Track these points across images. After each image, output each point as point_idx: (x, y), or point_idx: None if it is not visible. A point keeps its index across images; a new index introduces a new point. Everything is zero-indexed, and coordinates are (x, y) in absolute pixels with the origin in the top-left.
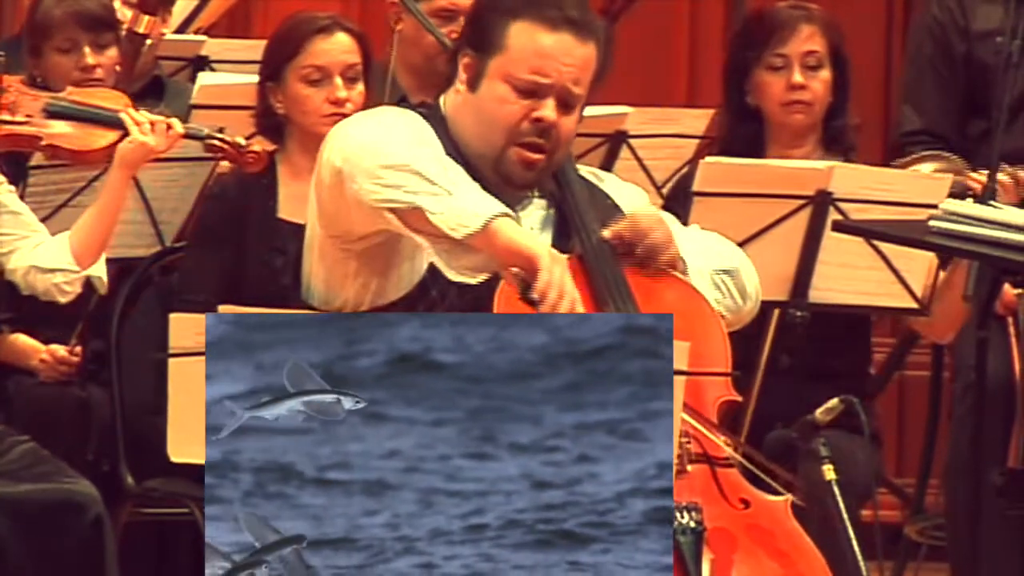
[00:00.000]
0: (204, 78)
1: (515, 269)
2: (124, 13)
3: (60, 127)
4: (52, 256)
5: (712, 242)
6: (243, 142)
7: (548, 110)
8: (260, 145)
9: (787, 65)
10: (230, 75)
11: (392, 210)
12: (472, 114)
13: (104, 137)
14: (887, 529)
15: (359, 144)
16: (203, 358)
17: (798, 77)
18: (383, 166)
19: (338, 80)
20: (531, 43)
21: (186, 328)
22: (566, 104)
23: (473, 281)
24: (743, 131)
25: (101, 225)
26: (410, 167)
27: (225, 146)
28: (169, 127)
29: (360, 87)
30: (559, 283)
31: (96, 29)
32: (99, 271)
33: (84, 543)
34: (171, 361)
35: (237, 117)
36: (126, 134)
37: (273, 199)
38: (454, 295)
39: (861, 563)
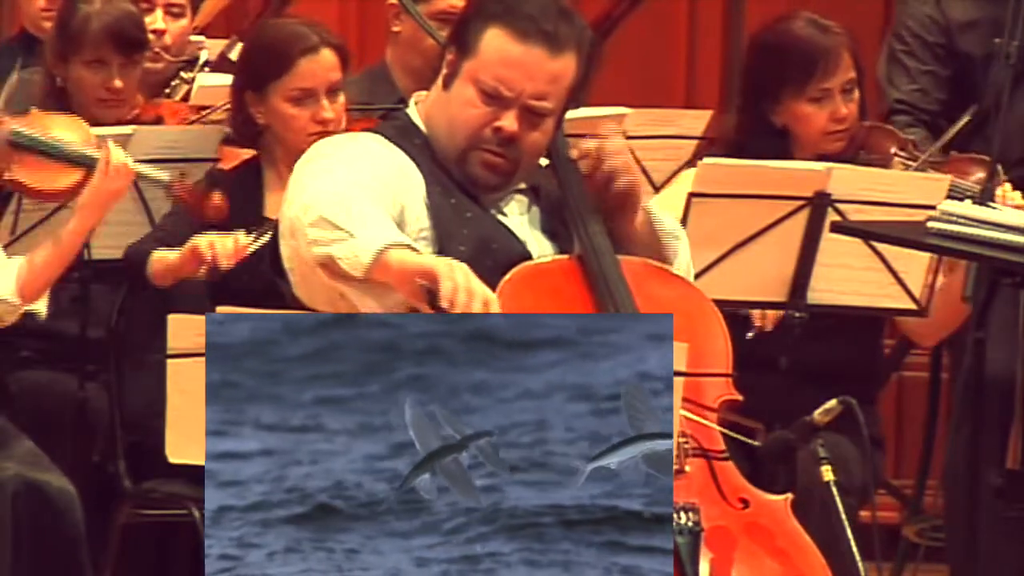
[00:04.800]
0: (202, 79)
1: (418, 281)
2: (167, 24)
3: (25, 162)
4: None
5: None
6: (204, 186)
7: (509, 121)
8: (219, 198)
9: (828, 97)
10: (229, 76)
11: (320, 266)
12: (443, 112)
13: (67, 177)
14: (885, 530)
15: (295, 205)
16: (201, 359)
17: (844, 110)
18: (309, 224)
19: (324, 101)
20: (499, 51)
21: (185, 329)
22: (531, 119)
23: None
24: (769, 147)
25: (52, 267)
26: (323, 218)
27: (186, 195)
28: (126, 168)
29: (341, 99)
30: (465, 286)
31: (128, 52)
32: (39, 307)
33: (50, 535)
34: (169, 362)
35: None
36: (88, 173)
37: (260, 198)
38: None
39: (859, 564)
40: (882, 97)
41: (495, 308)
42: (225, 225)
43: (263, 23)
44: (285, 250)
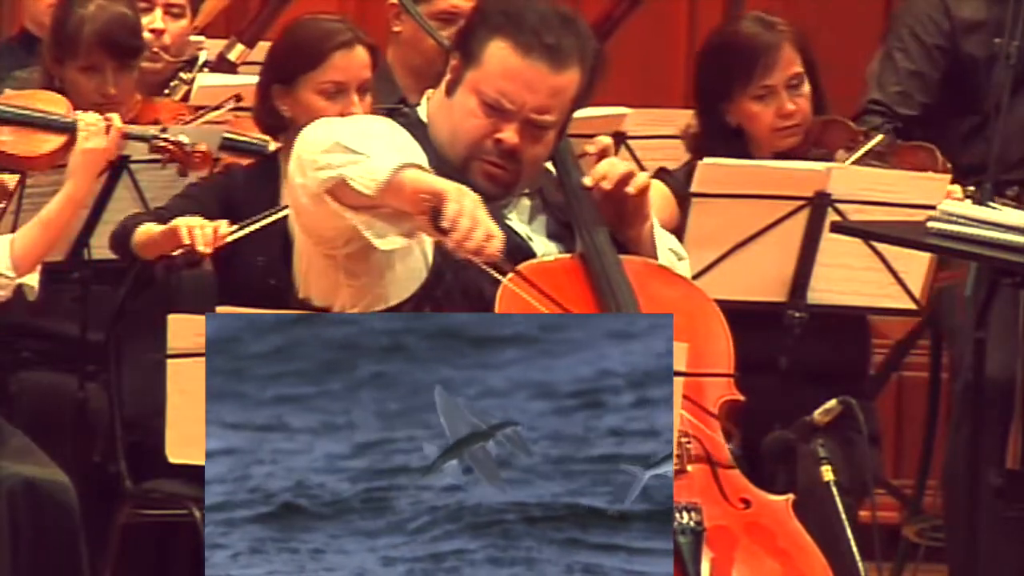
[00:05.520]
0: (201, 79)
1: (424, 198)
2: (167, 24)
3: (7, 133)
4: None
5: (663, 231)
6: (187, 141)
7: (509, 134)
8: (205, 146)
9: (773, 93)
10: (229, 76)
11: (328, 192)
12: (446, 119)
13: (49, 142)
14: (885, 530)
15: (306, 143)
16: (202, 359)
17: (789, 105)
18: (320, 152)
19: (354, 97)
20: (502, 64)
21: (185, 329)
22: (533, 132)
23: (400, 244)
24: (726, 149)
25: (45, 235)
26: (336, 143)
27: (170, 146)
28: (109, 125)
29: (368, 98)
30: (470, 213)
31: (122, 57)
32: (31, 280)
33: (48, 530)
34: (169, 362)
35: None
36: (72, 138)
37: (276, 194)
38: (459, 297)
39: (859, 564)
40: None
41: (497, 244)
42: (241, 215)
43: (297, 20)
44: (288, 199)
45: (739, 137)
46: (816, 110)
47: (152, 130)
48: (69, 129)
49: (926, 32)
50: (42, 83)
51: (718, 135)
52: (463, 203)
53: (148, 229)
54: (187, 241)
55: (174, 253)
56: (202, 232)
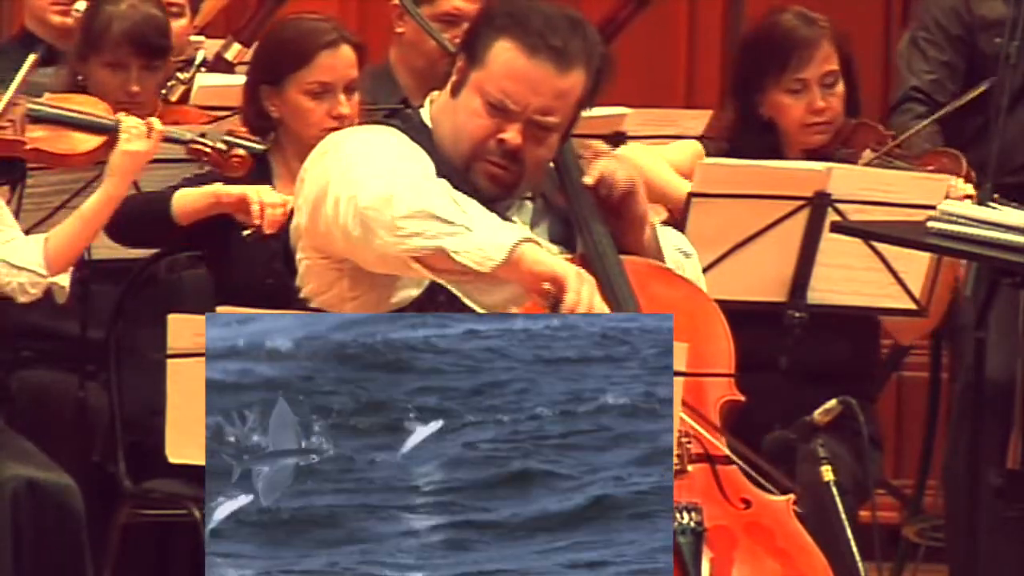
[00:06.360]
0: (201, 79)
1: (545, 286)
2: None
3: (42, 132)
4: (24, 255)
5: (669, 230)
6: (224, 147)
7: (512, 134)
8: (244, 151)
9: (806, 88)
10: (229, 76)
11: (417, 259)
12: (449, 120)
13: (87, 141)
14: (885, 530)
15: (372, 197)
16: (202, 359)
17: (820, 102)
18: (401, 217)
19: (341, 96)
20: (507, 65)
21: (184, 329)
22: (536, 133)
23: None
24: (759, 141)
25: (82, 235)
26: (425, 211)
27: (208, 150)
28: (150, 129)
29: (356, 97)
30: (588, 302)
31: (148, 57)
32: (63, 280)
33: (52, 532)
34: (169, 362)
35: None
36: (110, 138)
37: None
38: (462, 300)
39: (859, 564)
40: (883, 94)
41: None
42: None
43: (282, 20)
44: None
45: (771, 131)
46: (850, 112)
47: (190, 133)
48: (109, 130)
49: (950, 23)
50: (66, 81)
51: (751, 127)
52: (582, 293)
53: (190, 192)
54: (257, 220)
55: (244, 233)
56: (272, 213)
